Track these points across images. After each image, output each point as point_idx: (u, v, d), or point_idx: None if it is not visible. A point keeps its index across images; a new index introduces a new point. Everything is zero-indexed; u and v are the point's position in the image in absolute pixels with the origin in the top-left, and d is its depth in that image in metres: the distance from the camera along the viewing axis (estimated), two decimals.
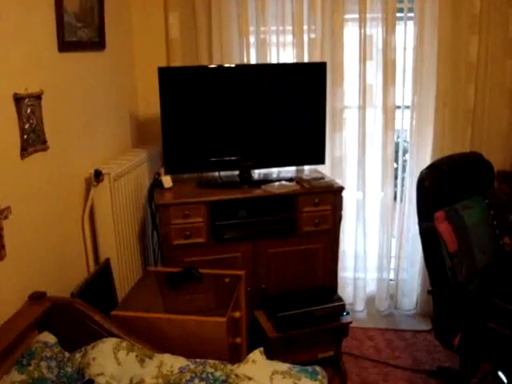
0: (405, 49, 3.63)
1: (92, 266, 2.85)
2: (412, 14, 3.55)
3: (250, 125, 3.40)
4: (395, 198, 3.91)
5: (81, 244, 2.81)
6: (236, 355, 2.66)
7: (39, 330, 2.18)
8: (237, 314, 2.66)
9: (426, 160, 3.61)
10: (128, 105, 3.58)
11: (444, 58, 3.52)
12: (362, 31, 3.55)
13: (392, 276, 4.01)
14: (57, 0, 2.48)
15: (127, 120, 3.55)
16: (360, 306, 3.96)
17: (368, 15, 3.53)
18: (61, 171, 2.57)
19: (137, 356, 2.15)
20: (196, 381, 2.03)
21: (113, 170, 2.88)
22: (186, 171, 3.51)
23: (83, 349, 2.18)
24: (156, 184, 3.37)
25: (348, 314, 3.19)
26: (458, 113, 3.61)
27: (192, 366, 2.12)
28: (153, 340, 2.34)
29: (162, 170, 3.38)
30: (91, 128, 2.95)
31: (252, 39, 3.60)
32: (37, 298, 2.23)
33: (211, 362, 2.16)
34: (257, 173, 3.64)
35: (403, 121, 3.78)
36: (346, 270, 3.95)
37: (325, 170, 3.68)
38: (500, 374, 2.77)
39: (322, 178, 3.44)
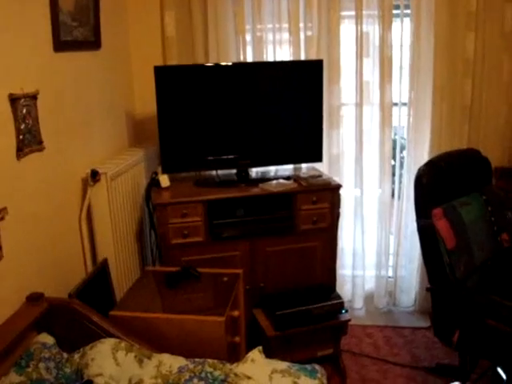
0: (401, 45, 3.62)
1: (90, 266, 2.84)
2: (408, 11, 3.54)
3: (246, 123, 3.39)
4: (393, 195, 3.90)
5: (78, 244, 2.80)
6: (235, 354, 2.66)
7: (37, 331, 2.18)
8: (235, 313, 2.65)
9: (424, 157, 3.61)
10: (124, 104, 3.58)
11: (441, 55, 3.51)
12: (359, 28, 3.54)
13: (390, 273, 4.02)
14: None
15: (124, 119, 3.55)
16: (359, 303, 3.96)
17: (364, 12, 3.53)
18: (57, 171, 2.57)
19: (135, 356, 2.15)
20: (195, 380, 2.03)
21: (109, 169, 2.87)
22: (183, 170, 3.50)
23: (81, 349, 2.17)
24: (153, 183, 3.36)
25: (347, 311, 3.19)
26: (455, 109, 3.61)
27: (191, 366, 2.11)
28: (151, 340, 2.34)
29: (159, 169, 3.37)
30: (87, 128, 2.95)
31: (248, 37, 3.60)
32: (34, 298, 2.23)
33: (210, 361, 2.16)
34: (254, 171, 3.63)
35: (400, 118, 3.77)
36: (345, 268, 3.95)
37: (322, 167, 3.68)
38: (499, 370, 2.77)
39: (320, 176, 3.44)
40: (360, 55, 3.59)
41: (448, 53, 3.52)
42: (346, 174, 3.83)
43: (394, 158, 3.86)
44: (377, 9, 3.52)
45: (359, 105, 3.68)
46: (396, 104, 3.73)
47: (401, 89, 3.71)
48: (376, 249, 3.90)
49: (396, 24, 3.56)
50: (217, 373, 2.08)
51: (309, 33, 3.59)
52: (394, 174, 3.87)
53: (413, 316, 3.93)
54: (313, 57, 3.58)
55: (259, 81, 3.41)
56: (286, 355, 2.85)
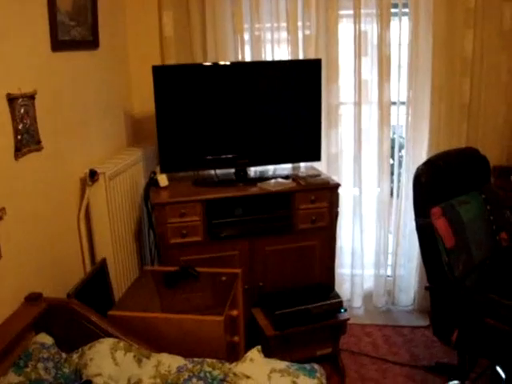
0: (400, 44, 3.61)
1: (88, 265, 2.84)
2: (407, 10, 3.54)
3: (245, 122, 3.39)
4: (392, 194, 3.90)
5: (77, 244, 2.80)
6: (234, 354, 2.66)
7: (36, 332, 2.18)
8: (234, 313, 2.65)
9: (422, 156, 3.61)
10: (122, 103, 3.57)
11: (439, 53, 3.51)
12: (357, 27, 3.54)
13: (389, 272, 4.01)
14: None
15: (122, 119, 3.54)
16: (357, 302, 3.96)
17: (362, 11, 3.52)
18: (55, 171, 2.56)
19: (134, 356, 2.15)
20: (194, 380, 2.03)
21: (108, 169, 2.87)
22: (182, 170, 3.50)
23: (80, 349, 2.17)
24: (152, 183, 3.36)
25: (346, 310, 3.19)
26: (453, 108, 3.61)
27: (190, 366, 2.11)
28: (150, 340, 2.34)
29: (158, 169, 3.37)
30: (86, 127, 2.94)
31: (246, 36, 3.59)
32: (33, 299, 2.23)
33: (209, 360, 2.16)
34: (253, 170, 3.63)
35: (399, 116, 3.77)
36: (344, 267, 3.95)
37: (321, 166, 3.68)
38: (498, 369, 2.77)
39: (318, 175, 3.44)
40: (358, 54, 3.58)
41: (446, 51, 3.51)
42: (344, 173, 3.82)
43: (392, 157, 3.85)
44: (375, 7, 3.51)
45: (358, 104, 3.68)
46: (394, 103, 3.73)
47: (399, 88, 3.71)
48: (375, 248, 3.90)
49: (394, 23, 3.55)
50: (216, 372, 2.08)
51: (307, 32, 3.59)
52: (392, 173, 3.87)
53: (412, 315, 3.93)
54: (311, 56, 3.58)
55: (257, 80, 3.40)
56: (284, 354, 2.85)
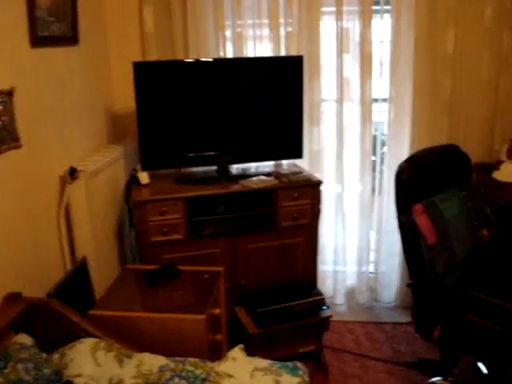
0: (381, 41, 3.63)
1: (68, 265, 2.80)
2: (389, 7, 3.55)
3: (227, 119, 3.37)
4: (374, 191, 3.91)
5: (56, 243, 2.76)
6: (217, 352, 2.64)
7: (15, 332, 2.14)
8: (216, 311, 2.64)
9: (404, 153, 3.62)
10: (103, 100, 3.53)
11: (421, 51, 3.52)
12: (339, 24, 3.54)
13: (372, 269, 4.03)
14: None
15: (102, 115, 3.50)
16: (340, 299, 3.97)
17: (344, 8, 3.52)
18: (35, 169, 2.52)
19: (115, 356, 2.12)
20: (176, 379, 2.01)
21: (88, 166, 2.83)
22: (163, 167, 3.47)
23: (61, 350, 2.14)
24: (133, 180, 3.33)
25: (328, 308, 3.19)
26: (435, 105, 3.63)
27: (172, 365, 2.10)
28: (132, 339, 2.32)
29: (139, 166, 3.34)
30: (65, 124, 2.90)
31: (228, 33, 3.58)
32: (12, 298, 2.19)
33: (191, 360, 2.14)
34: (235, 168, 3.61)
35: (381, 113, 3.78)
36: (326, 264, 3.95)
37: (303, 163, 3.67)
38: (480, 365, 2.79)
39: (301, 172, 3.43)
40: (340, 51, 3.59)
41: (428, 49, 3.52)
42: (326, 170, 3.82)
43: (374, 153, 3.86)
44: (357, 5, 3.51)
45: (340, 101, 3.68)
46: (376, 100, 3.74)
47: (381, 85, 3.72)
48: (357, 244, 3.92)
49: (376, 20, 3.56)
50: (198, 371, 2.07)
51: (289, 29, 3.58)
52: (374, 170, 3.88)
53: (394, 311, 3.95)
54: (293, 53, 3.57)
55: (239, 77, 3.38)
56: (267, 352, 2.85)
